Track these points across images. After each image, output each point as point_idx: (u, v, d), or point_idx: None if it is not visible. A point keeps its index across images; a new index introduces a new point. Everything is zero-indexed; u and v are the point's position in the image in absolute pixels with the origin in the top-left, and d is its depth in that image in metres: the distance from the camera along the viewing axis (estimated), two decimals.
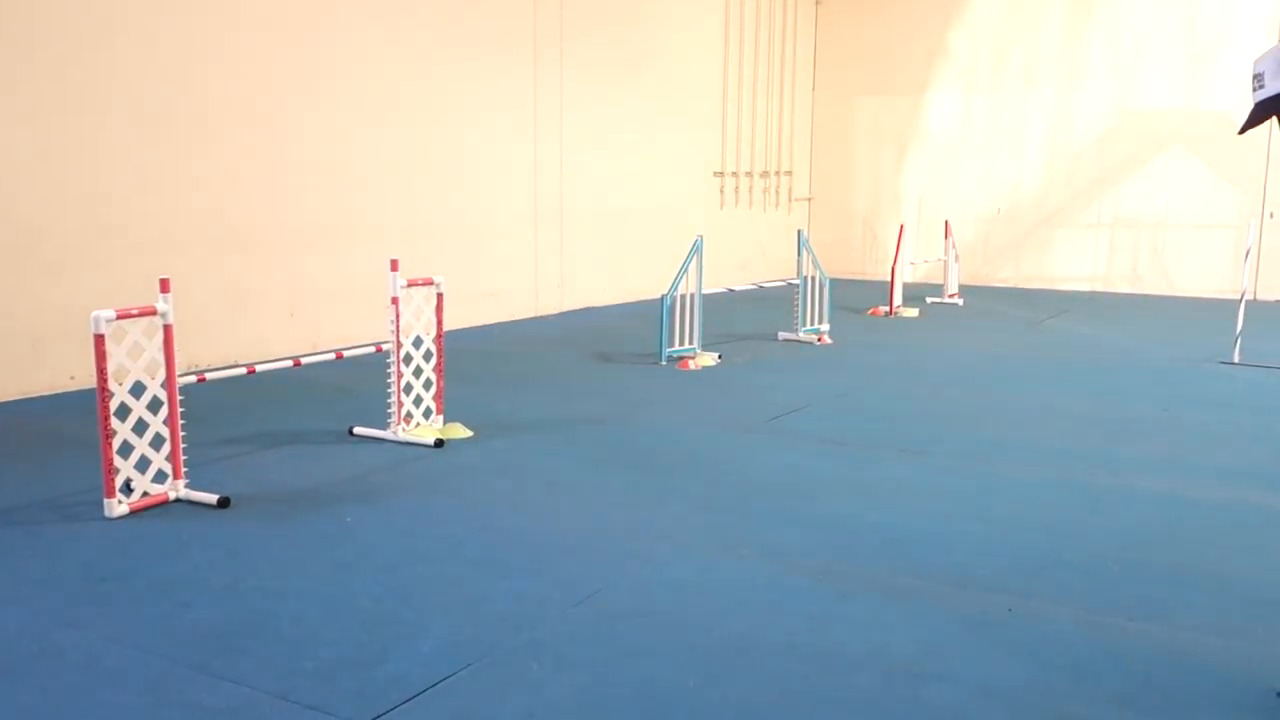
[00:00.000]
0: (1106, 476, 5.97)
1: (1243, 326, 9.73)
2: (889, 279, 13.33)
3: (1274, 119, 3.24)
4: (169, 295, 5.21)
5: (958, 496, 5.54)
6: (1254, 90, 3.22)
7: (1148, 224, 15.62)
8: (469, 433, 6.69)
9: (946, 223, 14.63)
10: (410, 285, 6.51)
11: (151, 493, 5.22)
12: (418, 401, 6.69)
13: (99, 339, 4.91)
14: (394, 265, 6.40)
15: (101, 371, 4.92)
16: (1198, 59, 15.00)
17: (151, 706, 3.29)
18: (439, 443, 6.40)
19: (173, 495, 5.30)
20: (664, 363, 9.29)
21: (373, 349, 6.59)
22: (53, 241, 7.71)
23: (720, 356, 9.56)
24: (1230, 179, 15.03)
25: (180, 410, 5.34)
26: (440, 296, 6.75)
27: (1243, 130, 3.35)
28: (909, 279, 15.78)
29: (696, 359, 9.29)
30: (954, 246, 14.37)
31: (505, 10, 11.62)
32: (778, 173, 17.13)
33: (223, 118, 8.78)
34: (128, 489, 5.14)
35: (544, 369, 9.15)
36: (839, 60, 17.62)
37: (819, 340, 10.70)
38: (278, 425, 6.91)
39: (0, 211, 7.42)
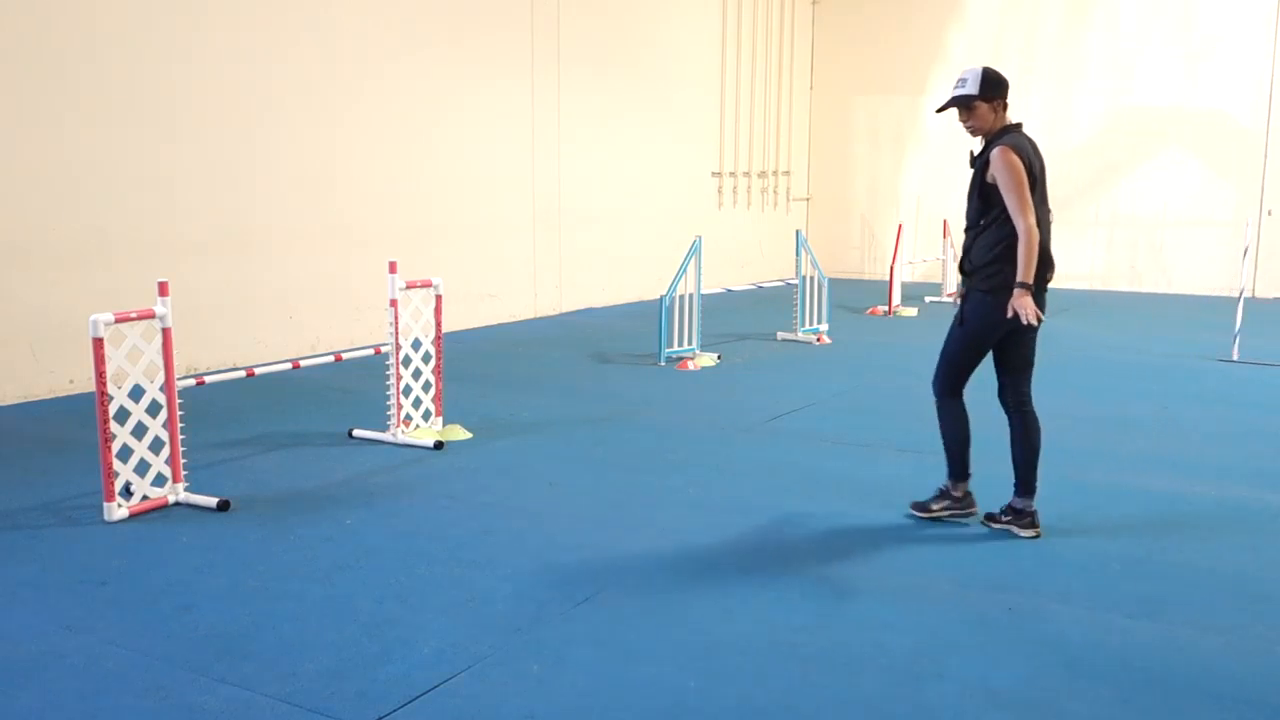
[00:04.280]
0: (1105, 474, 5.97)
1: (1241, 324, 9.73)
2: (888, 278, 13.34)
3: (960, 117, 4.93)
4: (167, 298, 5.21)
5: None
6: (954, 87, 4.90)
7: (1145, 222, 15.62)
8: (468, 434, 6.69)
9: (945, 222, 14.63)
10: (409, 287, 6.51)
11: (151, 496, 5.22)
12: (417, 403, 6.69)
13: (97, 342, 4.90)
14: (393, 267, 6.40)
15: (100, 375, 4.92)
16: (1195, 56, 15.00)
17: (152, 710, 3.29)
18: (438, 444, 6.41)
19: (172, 499, 5.30)
20: (663, 363, 9.29)
21: (372, 351, 6.60)
22: (51, 245, 7.70)
23: (719, 357, 9.57)
24: (1228, 176, 15.03)
25: (179, 413, 5.34)
26: (439, 298, 6.75)
27: (939, 110, 4.93)
28: (907, 278, 15.80)
29: (696, 359, 9.30)
30: (952, 245, 14.36)
31: (503, 13, 11.62)
32: (775, 173, 17.13)
33: (222, 122, 8.78)
34: (127, 492, 5.14)
35: (543, 370, 9.15)
36: (836, 59, 17.62)
37: (818, 340, 10.70)
38: (277, 428, 6.92)
39: None
